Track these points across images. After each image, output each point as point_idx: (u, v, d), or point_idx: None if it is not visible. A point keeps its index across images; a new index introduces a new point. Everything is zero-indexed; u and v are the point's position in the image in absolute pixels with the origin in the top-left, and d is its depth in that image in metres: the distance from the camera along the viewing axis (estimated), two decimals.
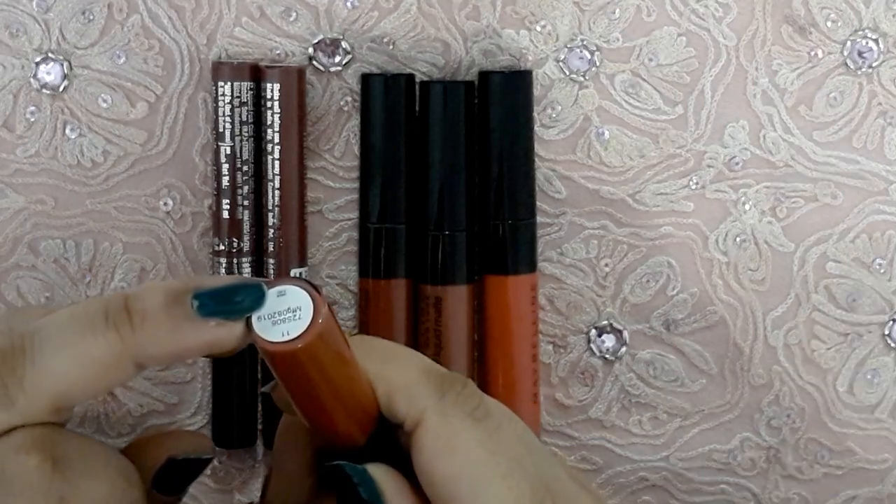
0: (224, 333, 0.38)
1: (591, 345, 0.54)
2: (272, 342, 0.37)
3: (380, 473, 0.39)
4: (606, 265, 0.54)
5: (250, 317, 0.38)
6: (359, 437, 0.40)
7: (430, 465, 0.39)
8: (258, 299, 0.38)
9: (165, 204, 0.53)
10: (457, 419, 0.39)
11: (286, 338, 0.37)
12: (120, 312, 0.39)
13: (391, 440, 0.40)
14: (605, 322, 0.54)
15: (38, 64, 0.52)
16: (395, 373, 0.40)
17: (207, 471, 0.54)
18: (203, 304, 0.39)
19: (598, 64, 0.53)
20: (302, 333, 0.37)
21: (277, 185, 0.52)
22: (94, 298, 0.40)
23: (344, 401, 0.39)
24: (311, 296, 0.37)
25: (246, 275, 0.52)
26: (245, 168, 0.52)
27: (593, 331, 0.54)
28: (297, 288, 0.37)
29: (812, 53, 0.53)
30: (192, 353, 0.39)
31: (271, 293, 0.37)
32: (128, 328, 0.39)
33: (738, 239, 0.54)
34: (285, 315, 0.37)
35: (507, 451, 0.39)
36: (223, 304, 0.39)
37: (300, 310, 0.37)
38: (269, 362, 0.38)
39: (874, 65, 0.53)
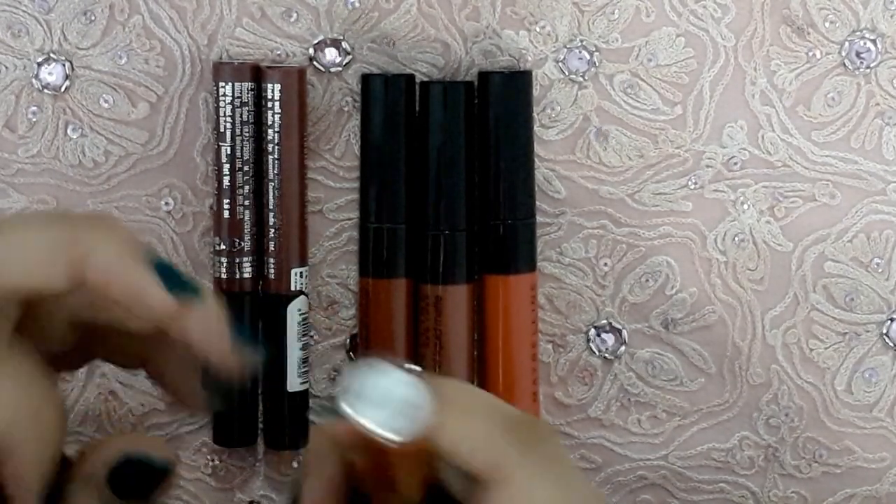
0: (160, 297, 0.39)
1: (591, 344, 0.54)
2: (388, 436, 0.34)
3: None
4: (605, 265, 0.54)
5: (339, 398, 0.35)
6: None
7: None
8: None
9: (166, 204, 0.53)
10: (537, 478, 0.38)
11: (399, 429, 0.34)
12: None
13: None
14: (605, 321, 0.54)
15: (39, 64, 0.52)
16: (473, 428, 0.38)
17: (208, 471, 0.54)
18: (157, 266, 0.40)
19: (597, 64, 0.53)
20: (414, 430, 0.35)
21: (278, 184, 0.52)
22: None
23: (409, 483, 0.38)
24: (426, 398, 0.35)
25: (247, 275, 0.52)
26: (246, 168, 0.52)
27: (592, 330, 0.54)
28: (414, 383, 0.35)
29: (810, 54, 0.53)
30: (130, 298, 0.40)
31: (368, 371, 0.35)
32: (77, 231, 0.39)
33: (736, 238, 0.54)
34: (386, 400, 0.35)
35: (581, 494, 0.39)
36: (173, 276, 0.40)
37: (412, 405, 0.35)
38: (369, 443, 0.35)
39: (872, 65, 0.53)
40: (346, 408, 0.34)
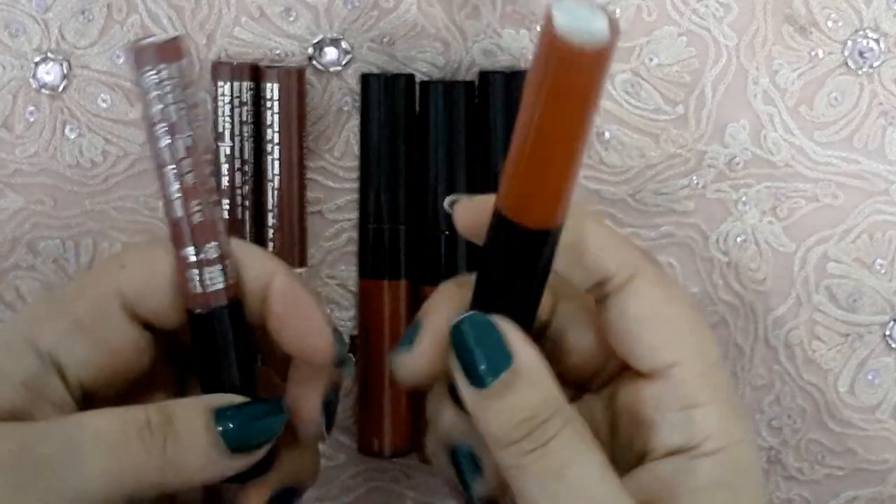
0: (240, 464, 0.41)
1: None
2: (575, 41, 0.33)
3: (506, 324, 0.40)
4: None
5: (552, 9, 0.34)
6: (551, 216, 0.37)
7: (648, 314, 0.41)
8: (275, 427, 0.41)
9: None
10: (665, 277, 0.42)
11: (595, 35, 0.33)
12: (159, 427, 0.40)
13: (549, 258, 0.39)
14: None
15: (37, 64, 0.52)
16: (609, 231, 0.42)
17: None
18: (226, 433, 0.40)
19: None
20: (607, 37, 0.34)
21: (277, 185, 0.52)
22: (138, 407, 0.40)
23: (578, 150, 0.36)
24: (608, 17, 0.34)
25: None
26: (245, 168, 0.52)
27: None
28: (596, 9, 0.34)
29: (813, 53, 0.53)
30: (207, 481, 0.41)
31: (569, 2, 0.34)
32: (160, 448, 0.40)
33: (738, 239, 0.54)
34: (586, 18, 0.34)
35: (694, 306, 0.43)
36: (246, 431, 0.40)
37: (600, 16, 0.34)
38: (557, 63, 0.34)
39: (875, 65, 0.53)
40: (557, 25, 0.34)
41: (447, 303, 0.42)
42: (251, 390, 0.42)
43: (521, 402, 0.39)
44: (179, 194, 0.41)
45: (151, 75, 0.39)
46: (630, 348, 0.41)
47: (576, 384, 0.44)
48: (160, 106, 0.40)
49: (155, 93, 0.40)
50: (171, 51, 0.39)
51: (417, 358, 0.42)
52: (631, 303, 0.41)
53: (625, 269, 0.41)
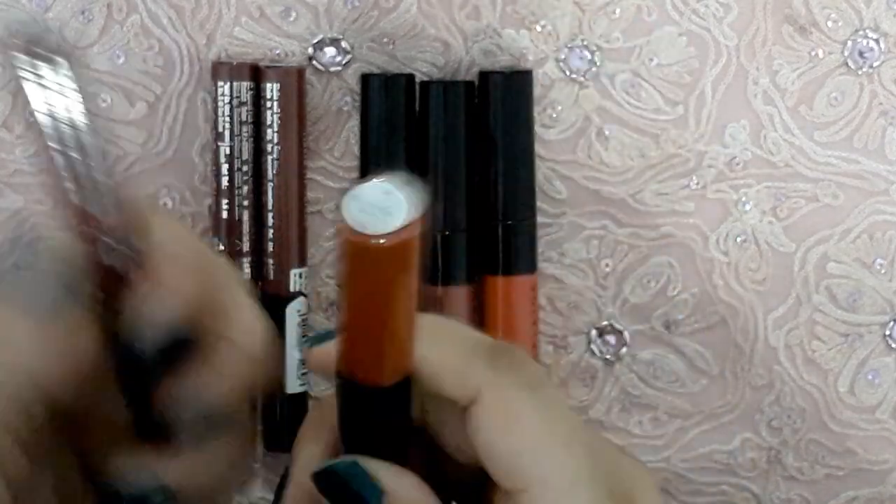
0: None
1: (592, 345, 0.54)
2: (363, 233, 0.34)
3: (377, 467, 0.38)
4: (607, 265, 0.54)
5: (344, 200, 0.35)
6: (387, 377, 0.38)
7: (490, 440, 0.38)
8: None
9: (165, 204, 0.53)
10: (512, 392, 0.38)
11: (382, 230, 0.34)
12: None
13: (405, 405, 0.39)
14: (606, 322, 0.54)
15: None
16: (443, 353, 0.39)
17: None
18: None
19: (598, 64, 0.53)
20: (397, 232, 0.34)
21: (277, 185, 0.52)
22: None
23: (396, 327, 0.37)
24: (412, 203, 0.34)
25: (246, 276, 0.52)
26: (244, 168, 0.52)
27: (594, 331, 0.54)
28: (402, 195, 0.34)
29: (813, 53, 0.53)
30: None
31: (375, 184, 0.35)
32: None
33: (738, 239, 0.54)
34: (379, 212, 0.34)
35: (564, 419, 0.39)
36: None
37: (396, 212, 0.34)
38: (349, 254, 0.35)
39: (875, 65, 0.53)
40: (347, 217, 0.35)
41: (311, 447, 0.41)
42: None
43: None
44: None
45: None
46: (487, 466, 0.39)
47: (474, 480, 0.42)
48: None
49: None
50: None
51: None
52: (478, 427, 0.38)
53: (465, 392, 0.38)
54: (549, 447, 0.38)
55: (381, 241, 0.34)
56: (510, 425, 0.38)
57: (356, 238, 0.34)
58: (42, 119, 0.38)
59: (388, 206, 0.34)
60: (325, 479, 0.39)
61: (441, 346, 0.39)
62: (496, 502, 0.39)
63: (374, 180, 0.34)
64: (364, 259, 0.35)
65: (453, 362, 0.38)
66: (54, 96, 0.38)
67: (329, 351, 0.38)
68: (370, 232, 0.34)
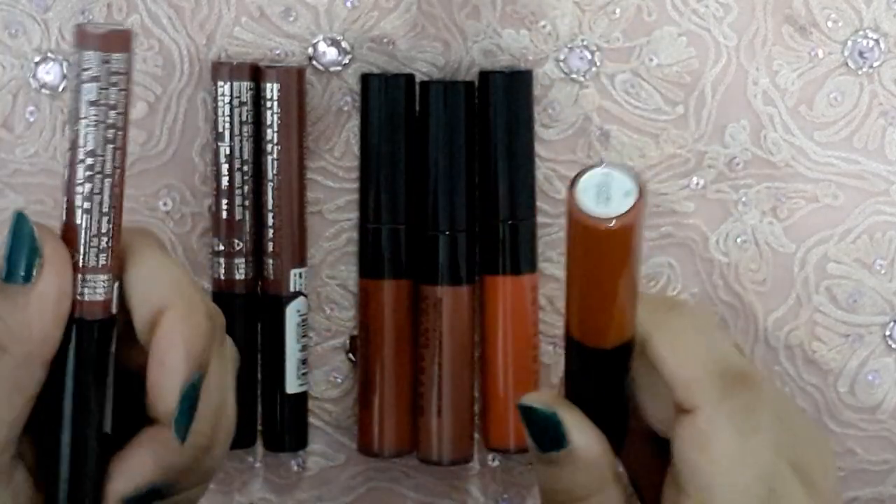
0: None
1: None
2: (596, 217, 0.37)
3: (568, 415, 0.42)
4: None
5: (575, 187, 0.38)
6: (610, 341, 0.41)
7: (682, 451, 0.40)
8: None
9: (165, 204, 0.53)
10: (723, 429, 0.40)
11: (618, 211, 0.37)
12: None
13: (623, 366, 0.42)
14: None
15: (37, 64, 0.52)
16: (685, 365, 0.41)
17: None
18: None
19: (598, 64, 0.53)
20: (623, 215, 0.37)
21: (277, 185, 0.52)
22: None
23: (620, 298, 0.40)
24: (636, 182, 0.37)
25: (246, 276, 0.52)
26: (244, 168, 0.52)
27: None
28: (624, 174, 0.38)
29: (813, 53, 0.53)
30: None
31: (603, 170, 0.38)
32: None
33: (738, 239, 0.54)
34: (608, 197, 0.38)
35: (755, 465, 0.40)
36: None
37: (624, 197, 0.37)
38: (581, 236, 0.38)
39: (875, 65, 0.53)
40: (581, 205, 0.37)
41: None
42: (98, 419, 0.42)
43: (568, 476, 0.42)
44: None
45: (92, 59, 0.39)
46: (674, 460, 0.42)
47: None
48: (90, 97, 0.40)
49: (90, 81, 0.40)
50: (117, 40, 0.39)
51: None
52: (681, 435, 0.41)
53: (685, 403, 0.41)
54: (728, 486, 0.40)
55: (611, 224, 0.37)
56: (704, 452, 0.40)
57: (590, 221, 0.37)
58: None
59: (616, 191, 0.37)
60: (528, 413, 0.42)
61: (685, 359, 0.41)
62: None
63: (602, 167, 0.37)
64: (595, 240, 0.38)
65: (690, 378, 0.40)
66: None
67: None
68: (601, 215, 0.37)
